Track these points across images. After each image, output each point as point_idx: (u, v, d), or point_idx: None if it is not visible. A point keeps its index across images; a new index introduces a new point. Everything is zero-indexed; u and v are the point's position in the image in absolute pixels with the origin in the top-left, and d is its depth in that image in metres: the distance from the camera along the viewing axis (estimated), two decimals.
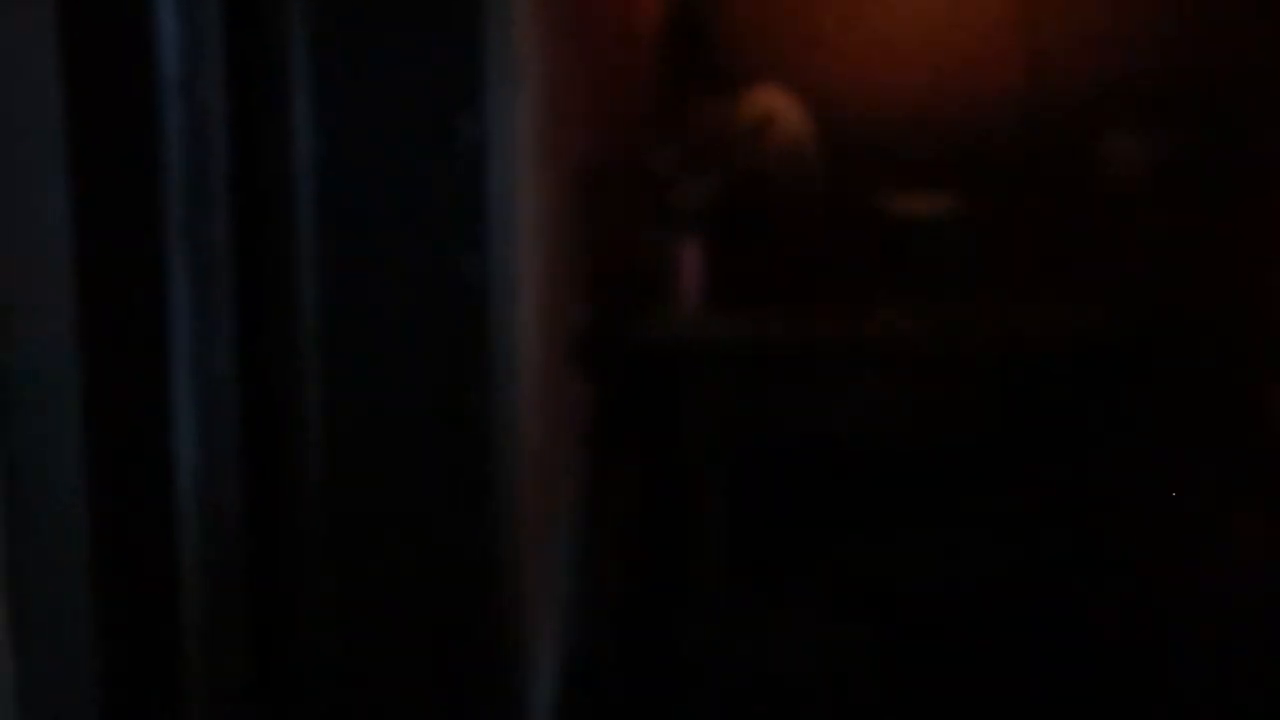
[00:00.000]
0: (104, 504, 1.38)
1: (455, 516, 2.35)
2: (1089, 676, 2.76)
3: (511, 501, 2.43)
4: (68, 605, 1.43)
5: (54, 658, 1.42)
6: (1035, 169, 3.12)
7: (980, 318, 2.77)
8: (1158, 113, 3.06)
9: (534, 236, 2.53)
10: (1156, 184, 3.03)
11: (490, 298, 2.36)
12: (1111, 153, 3.10)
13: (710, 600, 2.87)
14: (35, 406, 1.33)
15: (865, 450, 2.91)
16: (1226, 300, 2.87)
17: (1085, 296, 2.92)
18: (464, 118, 2.23)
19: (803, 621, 2.86)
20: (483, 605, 2.34)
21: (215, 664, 1.96)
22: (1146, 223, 3.03)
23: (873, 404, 2.75)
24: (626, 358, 2.86)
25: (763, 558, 3.06)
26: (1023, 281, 3.03)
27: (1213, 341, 2.84)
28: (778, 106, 2.96)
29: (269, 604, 2.21)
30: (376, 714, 2.29)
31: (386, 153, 2.25)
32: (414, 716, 2.32)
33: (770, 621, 2.73)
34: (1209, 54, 3.04)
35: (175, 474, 1.61)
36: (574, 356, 2.79)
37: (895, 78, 3.15)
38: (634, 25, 3.10)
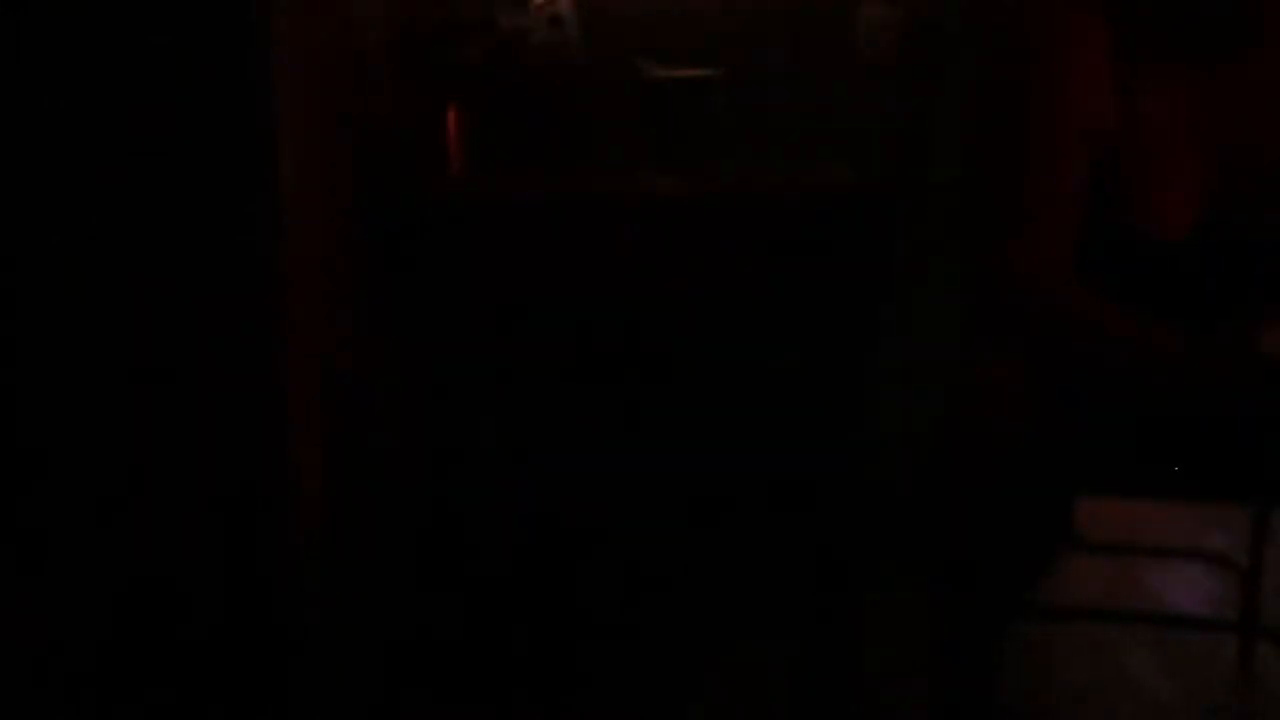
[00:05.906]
0: None
1: (230, 398, 2.37)
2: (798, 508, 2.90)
3: (283, 370, 2.45)
4: None
5: None
6: (794, 37, 3.21)
7: (736, 176, 2.86)
8: None
9: (299, 98, 2.53)
10: (907, 51, 3.16)
11: (255, 157, 2.36)
12: (867, 21, 3.21)
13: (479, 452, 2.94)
14: None
15: (626, 306, 2.99)
16: (970, 158, 3.01)
17: (837, 155, 3.04)
18: None
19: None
20: (255, 478, 2.37)
21: None
22: (897, 86, 3.16)
23: (634, 261, 2.83)
24: (393, 222, 2.89)
25: (525, 416, 3.13)
26: (779, 142, 3.14)
27: (956, 196, 2.99)
28: None
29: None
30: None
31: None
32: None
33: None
34: None
35: None
36: (344, 221, 2.81)
37: None
38: None
